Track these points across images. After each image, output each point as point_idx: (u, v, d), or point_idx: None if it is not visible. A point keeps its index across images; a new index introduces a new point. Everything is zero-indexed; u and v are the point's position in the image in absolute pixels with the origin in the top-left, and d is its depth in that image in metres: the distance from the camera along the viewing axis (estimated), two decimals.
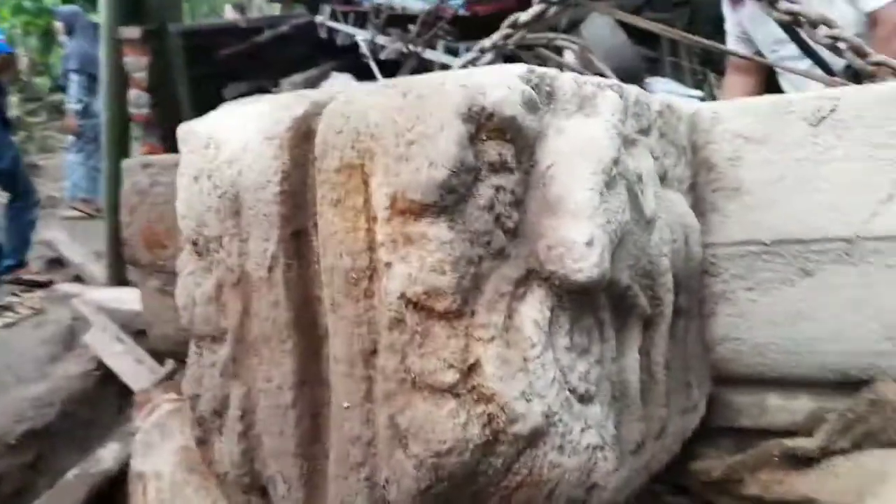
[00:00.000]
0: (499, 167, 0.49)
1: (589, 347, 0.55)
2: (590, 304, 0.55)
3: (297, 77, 3.14)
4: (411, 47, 2.44)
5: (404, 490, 0.48)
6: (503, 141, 0.49)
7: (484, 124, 0.48)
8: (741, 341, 0.97)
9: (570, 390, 0.52)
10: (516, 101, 0.49)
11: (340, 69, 3.25)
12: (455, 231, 0.47)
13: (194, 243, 0.56)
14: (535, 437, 0.49)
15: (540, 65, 0.64)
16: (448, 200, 0.46)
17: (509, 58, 1.86)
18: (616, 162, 0.53)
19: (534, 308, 0.50)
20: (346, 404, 0.50)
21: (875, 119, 0.87)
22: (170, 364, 1.49)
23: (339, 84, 3.11)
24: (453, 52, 2.62)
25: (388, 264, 0.48)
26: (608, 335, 0.58)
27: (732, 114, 0.93)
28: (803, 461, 0.93)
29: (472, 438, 0.46)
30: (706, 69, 2.66)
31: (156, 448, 1.25)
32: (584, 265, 0.49)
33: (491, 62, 1.54)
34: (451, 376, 0.46)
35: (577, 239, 0.49)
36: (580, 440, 0.52)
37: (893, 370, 0.91)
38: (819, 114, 0.91)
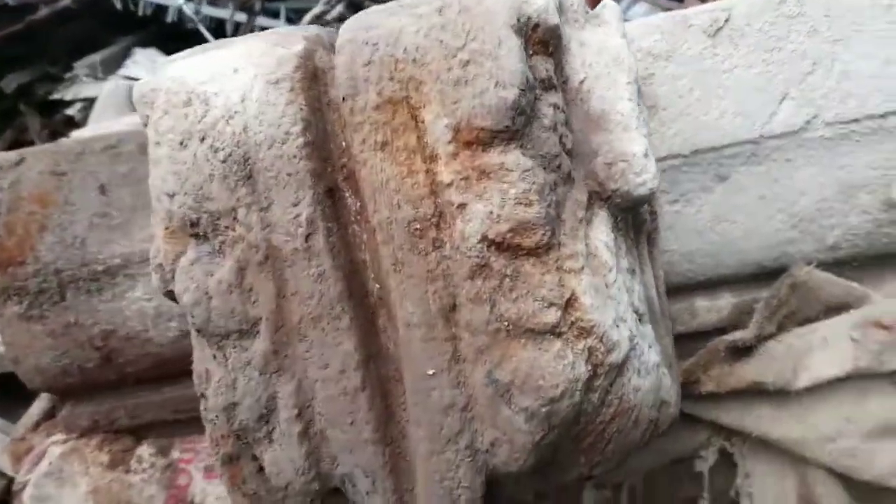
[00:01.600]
0: (547, 84, 0.45)
1: (633, 266, 0.54)
2: (625, 221, 0.54)
3: (95, 57, 2.78)
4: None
5: (518, 447, 0.43)
6: (546, 55, 0.45)
7: (530, 36, 0.43)
8: (672, 252, 1.03)
9: (634, 311, 0.50)
10: (555, 10, 0.45)
11: (143, 44, 2.93)
12: (531, 157, 0.42)
13: (193, 224, 0.45)
14: (623, 364, 0.46)
15: None
16: (518, 124, 0.41)
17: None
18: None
19: (601, 231, 0.47)
20: (430, 371, 0.44)
21: (763, 25, 0.95)
22: (45, 400, 1.27)
23: (145, 60, 2.80)
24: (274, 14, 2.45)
25: (462, 206, 0.42)
26: (634, 252, 0.57)
27: (640, 32, 0.96)
28: (744, 351, 1.01)
29: (580, 377, 0.43)
30: None
31: (55, 501, 1.06)
32: (646, 177, 0.47)
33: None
34: (552, 315, 0.42)
35: (636, 151, 0.47)
36: (649, 360, 0.50)
37: (802, 254, 1.01)
38: (715, 25, 0.96)
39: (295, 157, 0.43)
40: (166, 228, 0.48)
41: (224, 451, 0.49)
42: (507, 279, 0.42)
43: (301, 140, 0.43)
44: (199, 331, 0.46)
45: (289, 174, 0.43)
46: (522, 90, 0.41)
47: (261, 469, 0.49)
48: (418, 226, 0.43)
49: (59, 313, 1.06)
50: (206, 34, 2.35)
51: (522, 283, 0.42)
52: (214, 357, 0.47)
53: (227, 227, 0.44)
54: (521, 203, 0.41)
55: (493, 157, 0.41)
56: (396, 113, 0.42)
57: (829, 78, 0.95)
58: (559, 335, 0.42)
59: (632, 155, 0.47)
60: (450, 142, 0.41)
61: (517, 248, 0.42)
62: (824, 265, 0.97)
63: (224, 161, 0.43)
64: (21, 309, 1.05)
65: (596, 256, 0.46)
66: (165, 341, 1.07)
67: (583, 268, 0.43)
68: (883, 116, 1.01)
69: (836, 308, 1.00)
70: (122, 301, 1.06)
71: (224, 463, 0.50)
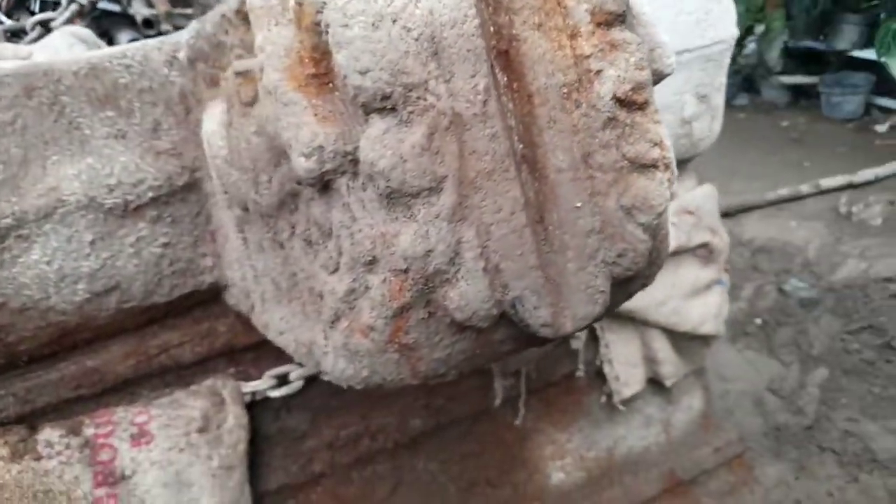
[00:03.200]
0: None
1: None
2: None
3: None
4: None
5: (639, 253, 0.59)
6: None
7: None
8: None
9: None
10: None
11: None
12: (636, 33, 0.57)
13: (385, 97, 0.51)
14: None
15: None
16: (625, 8, 0.56)
17: None
18: None
19: None
20: (577, 204, 0.57)
21: None
22: None
23: None
24: None
25: (598, 71, 0.55)
26: None
27: None
28: None
29: (668, 198, 0.60)
30: None
31: None
32: (672, 60, 0.65)
33: None
34: (656, 152, 0.58)
35: (665, 40, 0.65)
36: None
37: None
38: None
39: (472, 35, 0.52)
40: (329, 112, 0.53)
41: (398, 304, 0.56)
42: (628, 127, 0.57)
43: (476, 21, 0.52)
44: (390, 194, 0.52)
45: (468, 50, 0.52)
46: None
47: (430, 315, 0.57)
48: (566, 89, 0.55)
49: None
50: None
51: (636, 130, 0.58)
52: (398, 218, 0.54)
53: (418, 98, 0.51)
54: (637, 68, 0.56)
55: (618, 33, 0.56)
56: (546, 0, 0.54)
57: None
58: (658, 168, 0.59)
59: (665, 43, 0.64)
60: (589, 22, 0.55)
61: (633, 104, 0.57)
62: None
63: (416, 39, 0.50)
64: None
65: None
66: (71, 307, 0.99)
67: (660, 119, 0.60)
68: (679, 53, 1.35)
69: None
70: (13, 267, 0.95)
71: (392, 316, 0.56)
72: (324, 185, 0.57)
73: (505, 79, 0.55)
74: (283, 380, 1.19)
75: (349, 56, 0.50)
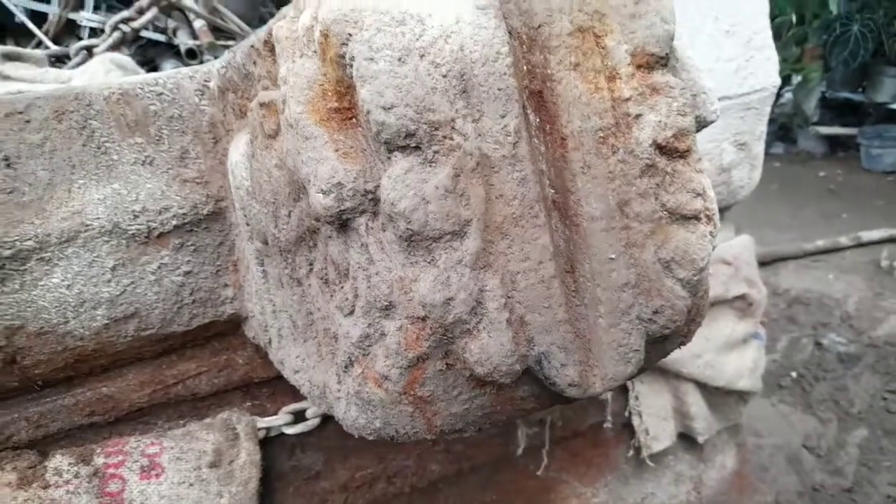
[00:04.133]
0: None
1: None
2: None
3: None
4: None
5: (677, 311, 0.55)
6: None
7: None
8: None
9: None
10: None
11: None
12: (679, 77, 0.54)
13: (409, 135, 0.48)
14: None
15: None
16: (668, 51, 0.53)
17: None
18: None
19: None
20: (611, 255, 0.53)
21: None
22: None
23: None
24: None
25: (638, 116, 0.52)
26: None
27: None
28: None
29: (710, 250, 0.56)
30: None
31: None
32: (716, 107, 0.61)
33: None
34: (699, 203, 0.54)
35: (710, 86, 0.61)
36: None
37: None
38: None
39: (504, 73, 0.49)
40: (350, 148, 0.50)
41: (414, 354, 0.52)
42: (668, 176, 0.53)
43: (509, 59, 0.49)
44: (411, 236, 0.49)
45: (499, 89, 0.49)
46: (673, 24, 0.52)
47: (448, 367, 0.53)
48: (602, 134, 0.52)
49: None
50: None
51: (678, 179, 0.54)
52: (417, 262, 0.50)
53: (444, 137, 0.48)
54: (680, 114, 0.53)
55: (660, 77, 0.52)
56: (585, 39, 0.51)
57: None
58: (700, 220, 0.55)
59: (709, 90, 0.61)
60: (629, 64, 0.51)
61: (674, 151, 0.53)
62: None
63: (444, 76, 0.48)
64: None
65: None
66: (88, 333, 0.97)
67: (703, 169, 0.56)
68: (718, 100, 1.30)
69: None
70: (33, 290, 0.94)
71: (408, 366, 0.53)
72: (342, 223, 0.54)
73: (537, 120, 0.52)
74: (299, 416, 1.16)
75: (373, 91, 0.47)
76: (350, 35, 0.48)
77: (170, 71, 1.01)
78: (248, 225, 0.84)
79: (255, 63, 0.73)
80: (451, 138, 0.48)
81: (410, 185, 0.48)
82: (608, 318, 0.54)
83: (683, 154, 0.53)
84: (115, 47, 1.82)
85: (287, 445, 1.18)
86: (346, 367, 0.62)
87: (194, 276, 1.02)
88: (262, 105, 0.64)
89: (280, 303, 0.82)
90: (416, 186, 0.48)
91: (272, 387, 1.17)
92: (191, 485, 1.05)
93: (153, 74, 1.00)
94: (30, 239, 0.92)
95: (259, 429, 1.13)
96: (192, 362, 1.09)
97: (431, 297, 0.49)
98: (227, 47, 2.32)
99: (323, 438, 1.19)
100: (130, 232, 0.97)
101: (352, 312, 0.58)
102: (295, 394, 1.17)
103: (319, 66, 0.53)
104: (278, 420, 1.14)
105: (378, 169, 0.52)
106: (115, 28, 1.74)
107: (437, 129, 0.48)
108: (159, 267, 1.00)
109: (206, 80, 0.98)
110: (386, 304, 0.53)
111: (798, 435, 3.29)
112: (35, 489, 0.99)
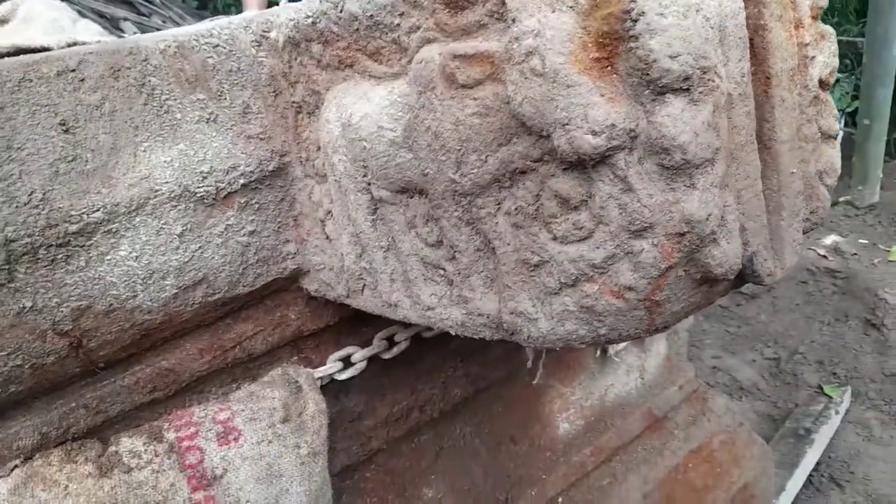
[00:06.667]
0: None
1: None
2: None
3: None
4: None
5: (825, 209, 0.71)
6: None
7: None
8: None
9: None
10: None
11: None
12: None
13: (686, 78, 0.57)
14: None
15: None
16: (826, 4, 0.68)
17: None
18: None
19: None
20: (792, 170, 0.67)
21: None
22: None
23: None
24: None
25: (812, 58, 0.66)
26: None
27: None
28: None
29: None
30: None
31: None
32: None
33: None
34: (836, 125, 0.71)
35: None
36: None
37: None
38: None
39: (742, 24, 0.60)
40: (612, 93, 0.58)
41: (666, 265, 0.63)
42: (823, 104, 0.69)
43: (744, 13, 0.60)
44: (682, 165, 0.59)
45: (739, 38, 0.60)
46: None
47: (685, 273, 0.65)
48: (791, 73, 0.65)
49: (5, 299, 0.85)
50: None
51: (827, 106, 0.69)
52: (677, 188, 0.61)
53: (709, 80, 0.58)
54: (833, 55, 0.68)
55: (821, 25, 0.67)
56: None
57: None
58: (835, 138, 0.71)
59: None
60: (809, 15, 0.65)
61: (827, 84, 0.69)
62: None
63: (713, 27, 0.57)
64: None
65: None
66: (157, 305, 0.95)
67: None
68: None
69: None
70: (100, 266, 0.89)
71: (656, 276, 0.63)
72: (597, 160, 0.62)
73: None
74: (346, 362, 1.19)
75: (663, 42, 0.56)
76: None
77: (220, 21, 0.96)
78: (364, 176, 0.86)
79: (401, 14, 0.75)
80: (713, 80, 0.59)
81: (686, 121, 0.58)
82: (788, 220, 0.69)
83: (828, 87, 0.69)
84: None
85: (332, 391, 1.21)
86: (559, 288, 0.70)
87: (258, 235, 1.01)
88: (456, 56, 0.68)
89: (409, 247, 0.86)
90: (691, 122, 0.58)
91: (317, 338, 1.19)
92: (269, 442, 1.06)
93: (205, 25, 0.94)
94: (97, 210, 0.86)
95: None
96: (248, 323, 1.08)
97: (697, 215, 0.60)
98: None
99: (362, 380, 1.24)
100: (199, 194, 0.93)
101: (586, 238, 0.66)
102: (336, 342, 1.20)
103: (577, 19, 0.59)
104: (331, 368, 1.17)
105: (636, 110, 0.60)
106: None
107: (705, 72, 0.58)
108: (225, 229, 0.97)
109: (265, 31, 0.95)
110: (645, 225, 0.62)
111: None
112: (118, 475, 0.94)
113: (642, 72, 0.58)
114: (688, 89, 0.58)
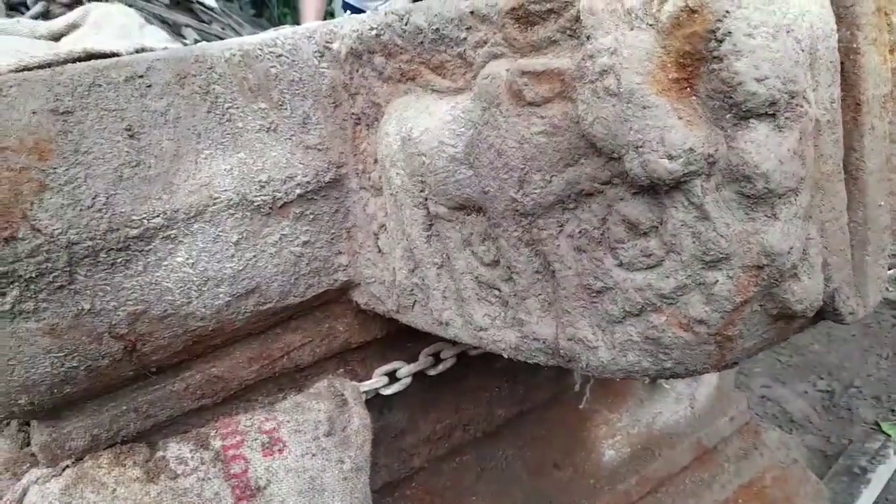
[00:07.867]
0: None
1: None
2: None
3: None
4: None
5: None
6: None
7: None
8: None
9: None
10: None
11: None
12: None
13: (772, 103, 0.54)
14: None
15: None
16: None
17: None
18: None
19: None
20: (881, 203, 0.63)
21: None
22: (13, 428, 0.93)
23: None
24: None
25: None
26: None
27: None
28: None
29: None
30: None
31: None
32: None
33: None
34: None
35: None
36: None
37: None
38: None
39: (833, 48, 0.57)
40: (690, 116, 0.55)
41: (741, 299, 0.59)
42: None
43: (836, 35, 0.57)
44: (764, 195, 0.56)
45: (830, 62, 0.57)
46: None
47: (760, 307, 0.61)
48: (883, 99, 0.61)
49: (65, 301, 0.85)
50: None
51: None
52: (757, 217, 0.57)
53: (797, 105, 0.55)
54: None
55: None
56: (880, 17, 0.59)
57: None
58: None
59: None
60: None
61: None
62: None
63: (804, 50, 0.54)
64: (4, 304, 0.81)
65: None
66: (210, 312, 0.95)
67: None
68: None
69: None
70: (157, 271, 0.89)
71: (730, 310, 0.60)
72: (671, 186, 0.59)
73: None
74: (391, 377, 1.18)
75: (749, 64, 0.53)
76: (728, 12, 0.53)
77: (284, 30, 0.96)
78: (421, 191, 0.85)
79: (468, 28, 0.73)
80: (801, 106, 0.55)
81: (771, 148, 0.55)
82: (873, 255, 0.65)
83: None
84: None
85: (376, 406, 1.20)
86: (622, 317, 0.67)
87: (311, 246, 1.00)
88: (524, 73, 0.66)
89: (463, 265, 0.85)
90: (775, 149, 0.55)
91: (364, 351, 1.17)
92: (313, 455, 1.05)
93: (269, 34, 0.95)
94: (158, 216, 0.86)
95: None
96: (296, 334, 1.07)
97: (778, 247, 0.57)
98: None
99: (407, 396, 1.22)
100: (256, 203, 0.93)
101: (653, 266, 0.63)
102: (382, 356, 1.19)
103: (657, 38, 0.57)
104: (377, 382, 1.15)
105: (716, 134, 0.57)
106: None
107: (793, 97, 0.55)
108: (280, 238, 0.97)
109: (328, 42, 0.94)
110: (720, 256, 0.59)
111: None
112: (165, 481, 0.94)
113: (725, 94, 0.55)
114: (774, 115, 0.55)
